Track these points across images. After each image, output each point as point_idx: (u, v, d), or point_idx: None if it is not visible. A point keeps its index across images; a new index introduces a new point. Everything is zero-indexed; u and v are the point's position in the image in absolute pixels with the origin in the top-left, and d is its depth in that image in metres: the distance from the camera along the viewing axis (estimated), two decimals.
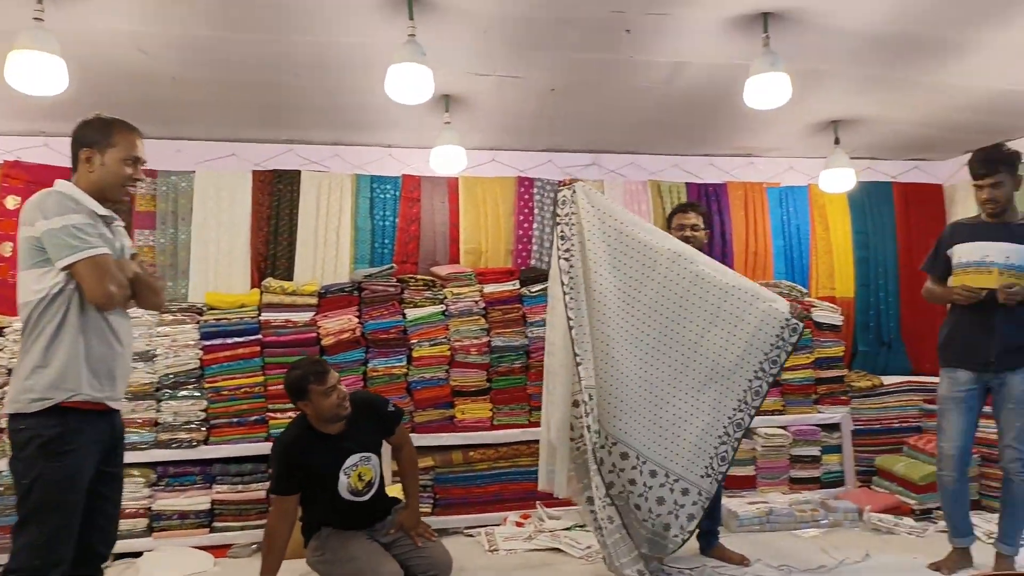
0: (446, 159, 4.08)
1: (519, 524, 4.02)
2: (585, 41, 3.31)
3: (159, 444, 3.77)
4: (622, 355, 3.01)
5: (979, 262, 3.21)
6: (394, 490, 3.49)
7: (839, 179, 4.58)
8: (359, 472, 3.12)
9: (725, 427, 3.03)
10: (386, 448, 3.36)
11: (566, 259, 3.02)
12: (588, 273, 3.03)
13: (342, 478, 3.06)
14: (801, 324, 3.07)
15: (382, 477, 3.28)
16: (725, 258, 4.84)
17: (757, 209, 4.98)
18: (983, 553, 3.31)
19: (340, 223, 4.40)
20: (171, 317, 3.89)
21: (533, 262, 4.64)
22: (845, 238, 5.06)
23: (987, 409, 3.31)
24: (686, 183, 4.92)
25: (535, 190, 4.71)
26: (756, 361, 3.03)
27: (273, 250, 4.33)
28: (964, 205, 4.98)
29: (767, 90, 3.19)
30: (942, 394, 3.34)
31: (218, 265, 4.24)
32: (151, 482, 3.74)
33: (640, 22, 3.11)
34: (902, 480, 4.31)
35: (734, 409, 3.03)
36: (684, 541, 3.03)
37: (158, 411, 3.80)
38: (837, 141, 4.54)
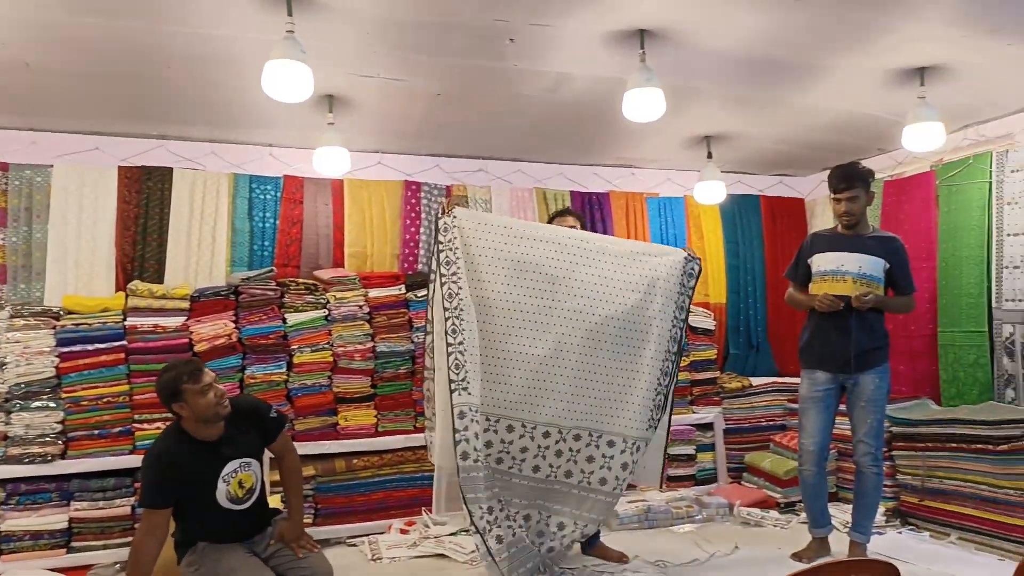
0: (329, 161, 3.98)
1: (404, 531, 3.98)
2: (470, 48, 3.32)
3: (8, 459, 3.47)
4: (536, 351, 3.14)
5: (835, 271, 3.47)
6: (274, 500, 3.36)
7: (711, 192, 4.83)
8: (239, 479, 2.95)
9: (659, 379, 3.26)
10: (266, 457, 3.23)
11: (454, 282, 3.06)
12: (485, 290, 3.13)
13: (221, 486, 2.88)
14: (698, 264, 3.38)
15: (263, 484, 3.14)
16: None
17: (638, 218, 5.17)
18: (841, 542, 3.56)
19: (216, 224, 4.21)
20: (23, 322, 3.59)
21: (420, 266, 4.61)
22: (718, 247, 5.34)
23: (843, 407, 3.58)
24: (571, 191, 5.04)
25: (422, 194, 4.69)
26: (671, 312, 3.32)
27: (141, 251, 4.08)
28: (823, 217, 5.37)
29: (643, 104, 3.32)
30: (802, 394, 3.58)
31: (78, 267, 3.95)
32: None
33: (523, 32, 3.16)
34: (768, 475, 4.57)
35: (663, 360, 3.27)
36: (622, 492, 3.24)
37: (7, 423, 3.50)
38: (710, 155, 4.78)
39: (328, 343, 4.04)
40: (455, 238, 3.14)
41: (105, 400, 3.64)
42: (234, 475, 2.94)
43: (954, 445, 3.85)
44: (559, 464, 3.17)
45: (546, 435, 3.15)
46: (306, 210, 4.41)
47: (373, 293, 4.16)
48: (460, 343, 2.98)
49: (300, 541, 3.10)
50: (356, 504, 4.01)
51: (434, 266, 3.14)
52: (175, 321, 3.79)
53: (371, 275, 4.27)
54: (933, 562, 3.48)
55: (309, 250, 4.39)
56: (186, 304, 3.83)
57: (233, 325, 3.87)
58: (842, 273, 3.45)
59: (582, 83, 3.75)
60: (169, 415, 2.92)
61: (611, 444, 3.20)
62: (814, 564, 2.25)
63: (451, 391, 2.91)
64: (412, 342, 4.18)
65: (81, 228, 3.98)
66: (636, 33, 3.25)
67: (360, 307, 4.10)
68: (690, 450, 4.73)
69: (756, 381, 5.04)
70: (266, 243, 4.32)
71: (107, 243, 4.03)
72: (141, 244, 4.08)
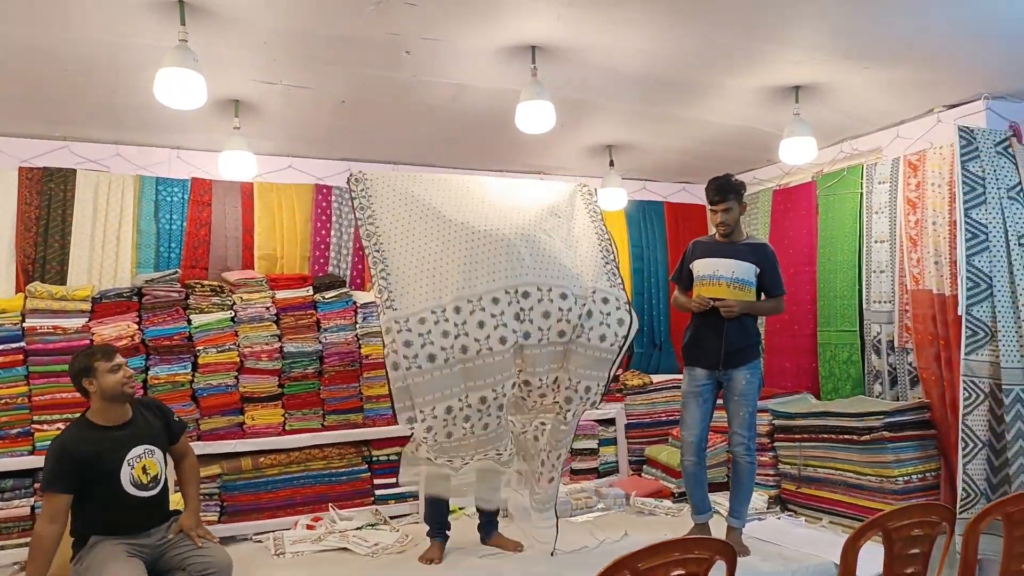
0: (235, 165, 4.05)
1: (310, 527, 4.08)
2: (368, 59, 3.45)
3: None
4: (471, 242, 3.40)
5: (712, 276, 3.74)
6: (176, 499, 3.42)
7: (613, 198, 5.07)
8: (144, 464, 3.08)
9: (602, 251, 3.67)
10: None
11: (370, 223, 3.40)
12: (405, 222, 3.42)
13: (126, 469, 3.02)
14: (594, 190, 3.96)
15: (167, 481, 3.24)
16: None
17: None
18: (722, 528, 3.81)
19: (121, 226, 4.23)
20: None
21: (331, 269, 4.71)
22: (623, 251, 5.59)
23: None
24: None
25: (333, 198, 4.79)
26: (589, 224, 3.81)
27: (43, 253, 4.07)
28: None
29: (534, 117, 3.50)
30: (683, 389, 3.83)
31: None
32: None
33: (418, 45, 3.31)
34: (664, 467, 4.84)
35: (600, 248, 3.71)
36: (621, 348, 3.50)
37: None
38: (612, 163, 5.02)
39: (234, 344, 4.11)
40: (367, 187, 3.50)
41: (3, 401, 3.63)
42: (139, 460, 3.07)
43: (826, 436, 4.17)
44: (548, 325, 3.36)
45: (525, 295, 3.33)
46: (214, 212, 4.46)
47: (281, 295, 4.24)
48: (382, 271, 3.30)
49: (199, 531, 3.19)
50: (263, 501, 4.09)
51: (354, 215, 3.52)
52: (76, 323, 3.80)
53: (279, 277, 4.35)
54: (802, 544, 3.77)
55: (217, 252, 4.45)
56: (87, 306, 3.84)
57: (136, 326, 3.90)
58: (718, 278, 3.72)
59: (482, 94, 3.92)
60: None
61: (607, 300, 3.51)
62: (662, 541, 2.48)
63: (379, 313, 3.26)
64: (319, 342, 4.28)
65: None
66: (528, 49, 3.43)
67: (267, 308, 4.18)
68: (593, 444, 4.96)
69: (657, 378, 5.31)
70: (173, 245, 4.35)
71: (7, 244, 4.00)
72: (43, 246, 4.07)
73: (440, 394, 3.17)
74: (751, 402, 3.71)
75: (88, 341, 3.80)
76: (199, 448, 3.97)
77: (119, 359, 3.06)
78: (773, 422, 4.51)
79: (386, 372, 3.28)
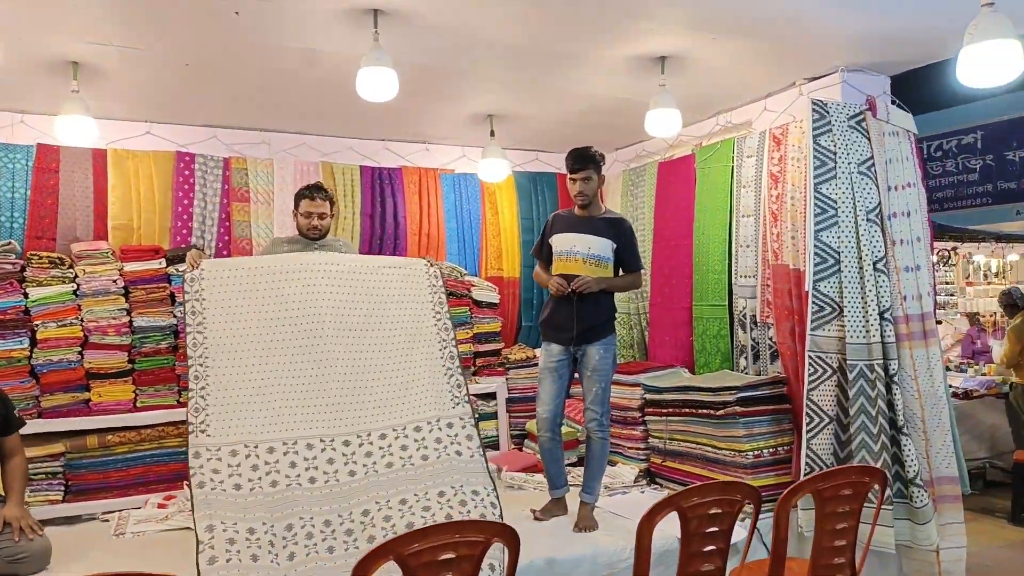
0: (73, 130, 3.83)
1: (161, 505, 3.96)
2: (198, 20, 3.26)
3: None
4: (300, 374, 3.36)
5: (568, 251, 3.68)
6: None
7: (494, 169, 4.96)
8: None
9: (444, 363, 3.61)
10: None
11: (199, 331, 3.29)
12: (238, 330, 3.33)
13: None
14: (439, 268, 3.86)
15: None
16: (398, 240, 5.08)
17: (431, 193, 5.25)
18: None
19: None
20: None
21: (194, 240, 4.53)
22: (512, 222, 5.50)
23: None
24: (360, 166, 5.05)
25: (196, 166, 4.59)
26: (430, 308, 3.71)
27: None
28: (612, 196, 5.59)
29: (376, 83, 3.36)
30: (540, 365, 3.79)
31: None
32: None
33: (249, 6, 3.13)
34: None
35: (440, 347, 3.65)
36: (483, 455, 3.51)
37: None
38: (492, 133, 4.90)
39: (77, 318, 3.93)
40: (201, 289, 3.36)
41: None
42: None
43: (688, 410, 4.17)
44: (374, 461, 3.31)
45: (346, 443, 3.31)
46: (63, 180, 4.24)
47: (130, 267, 4.06)
48: (202, 388, 3.23)
49: (24, 521, 3.07)
50: (111, 480, 3.96)
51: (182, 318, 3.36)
52: None
53: (128, 248, 4.17)
54: None
55: (66, 222, 4.23)
56: None
57: None
58: (574, 254, 3.67)
59: (339, 60, 3.75)
60: None
61: (417, 429, 3.45)
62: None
63: (188, 433, 3.14)
64: (173, 316, 4.13)
65: None
66: (370, 12, 3.28)
67: (114, 281, 4.00)
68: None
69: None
70: (16, 214, 4.13)
71: None
72: None
73: (243, 515, 3.03)
74: (604, 378, 3.68)
75: None
76: (40, 426, 3.82)
77: None
78: (644, 396, 4.50)
79: (188, 483, 3.15)
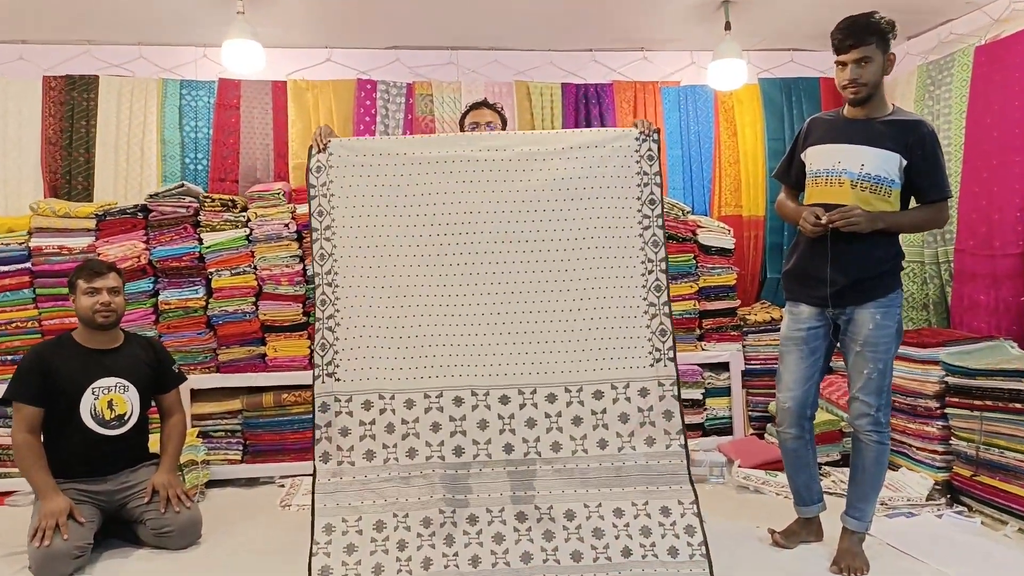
0: (240, 57, 3.46)
1: None
2: None
3: None
4: (456, 302, 2.58)
5: (830, 171, 2.53)
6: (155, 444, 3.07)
7: (731, 73, 3.81)
8: (110, 398, 2.79)
9: (646, 296, 2.60)
10: None
11: (327, 239, 2.59)
12: (376, 239, 2.59)
13: (87, 397, 2.74)
14: (655, 139, 2.67)
15: (141, 423, 2.90)
16: None
17: (649, 113, 4.25)
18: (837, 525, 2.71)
19: (144, 136, 3.87)
20: None
21: None
22: (756, 146, 4.30)
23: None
24: (562, 83, 4.20)
25: (378, 94, 4.07)
26: (635, 210, 2.63)
27: (68, 167, 3.83)
28: (903, 101, 4.12)
29: None
30: (783, 334, 2.70)
31: (5, 185, 3.78)
32: None
33: None
34: None
35: (644, 271, 2.61)
36: (683, 446, 2.57)
37: None
38: (728, 26, 3.75)
39: (250, 265, 3.62)
40: (329, 181, 2.62)
41: (14, 325, 3.46)
42: (106, 392, 2.78)
43: (1020, 406, 2.81)
44: (536, 437, 2.54)
45: (503, 400, 2.55)
46: (243, 117, 3.95)
47: (303, 209, 3.64)
48: (330, 317, 2.56)
49: (172, 489, 2.80)
50: (288, 442, 3.65)
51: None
52: (82, 242, 3.51)
53: (302, 189, 3.76)
54: (963, 562, 2.56)
55: (248, 162, 3.95)
56: (92, 224, 3.53)
57: (143, 246, 3.54)
58: (839, 173, 2.50)
59: None
60: None
61: (598, 396, 2.57)
62: None
63: (313, 378, 2.52)
64: None
65: (7, 145, 3.78)
66: None
67: (286, 225, 3.62)
68: (696, 394, 3.92)
69: None
70: (200, 156, 3.92)
71: (34, 159, 3.80)
72: (67, 160, 3.82)
73: (372, 502, 2.44)
74: (883, 356, 2.50)
75: None
76: (217, 380, 3.62)
77: (102, 282, 2.76)
78: (946, 379, 3.17)
79: (313, 463, 2.52)
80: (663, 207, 2.65)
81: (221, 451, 3.59)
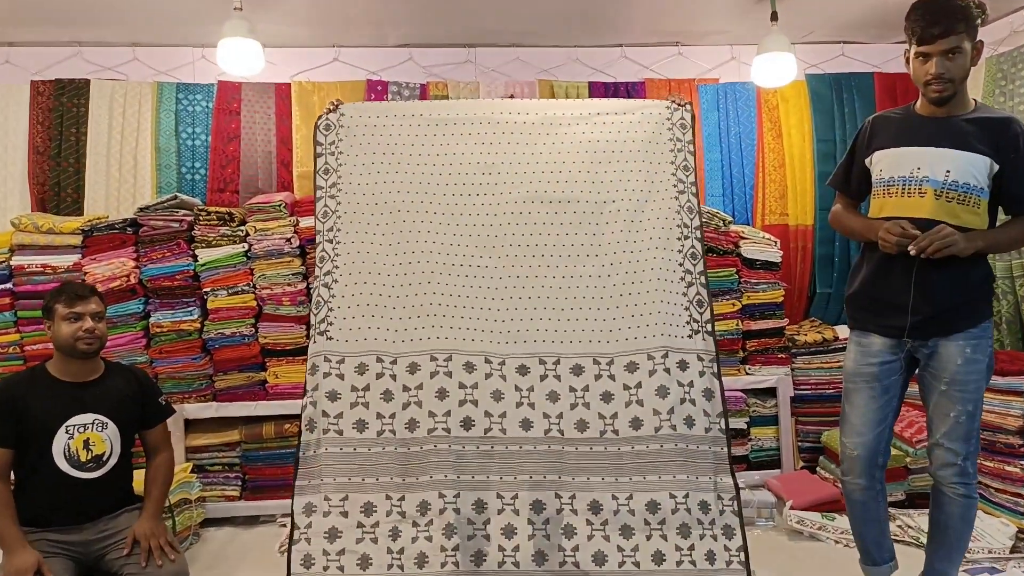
0: (237, 57, 3.17)
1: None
2: None
3: None
4: (471, 264, 2.39)
5: (907, 179, 2.16)
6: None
7: (779, 68, 3.43)
8: (87, 437, 2.48)
9: (682, 263, 2.39)
10: None
11: (331, 196, 2.45)
12: (390, 199, 2.45)
13: (61, 436, 2.43)
14: (688, 111, 2.64)
15: (122, 463, 2.59)
16: None
17: None
18: None
19: (138, 144, 3.59)
20: None
21: None
22: (804, 149, 3.91)
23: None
24: (589, 82, 3.84)
25: (390, 96, 3.75)
26: (668, 174, 2.48)
27: (56, 178, 3.55)
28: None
29: None
30: (849, 369, 2.32)
31: None
32: None
33: None
34: None
35: (680, 236, 2.41)
36: (723, 431, 2.31)
37: None
38: (774, 16, 3.37)
39: (250, 284, 3.32)
40: (338, 140, 2.49)
41: None
42: (82, 430, 2.47)
43: None
44: (559, 413, 2.25)
45: (522, 370, 2.28)
46: (244, 122, 3.65)
47: (306, 222, 3.34)
48: (327, 273, 2.38)
49: (154, 540, 2.50)
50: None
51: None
52: (67, 260, 3.23)
53: (306, 200, 3.45)
54: None
55: (249, 172, 3.65)
56: (78, 240, 3.24)
57: (133, 264, 3.25)
58: (917, 182, 2.12)
59: None
60: None
61: (631, 368, 2.28)
62: None
63: (309, 341, 2.39)
64: None
65: None
66: None
67: (288, 240, 3.31)
68: (740, 423, 3.54)
69: (845, 331, 3.67)
70: (197, 164, 3.63)
71: (20, 170, 3.54)
72: (56, 170, 3.55)
73: (361, 480, 2.18)
74: (972, 395, 2.12)
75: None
76: (214, 409, 3.32)
77: (84, 306, 2.47)
78: None
79: (298, 430, 2.31)
80: (697, 176, 2.51)
81: (218, 487, 3.29)
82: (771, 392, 3.60)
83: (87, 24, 3.51)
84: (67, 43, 3.66)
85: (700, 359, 2.31)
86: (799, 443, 3.64)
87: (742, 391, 3.55)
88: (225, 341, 3.31)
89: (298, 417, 3.23)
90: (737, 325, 3.53)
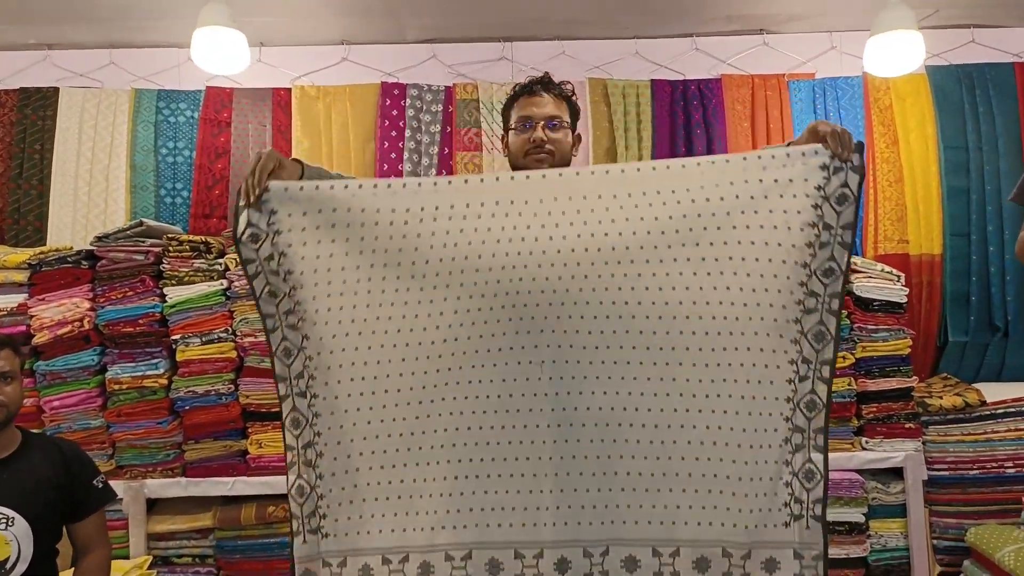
0: (211, 49, 2.59)
1: None
2: None
3: None
4: (495, 422, 1.61)
5: None
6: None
7: (898, 52, 2.67)
8: None
9: (790, 419, 1.60)
10: None
11: (292, 328, 1.67)
12: (367, 338, 1.63)
13: None
14: (852, 169, 1.56)
15: (38, 566, 2.00)
16: None
17: (773, 116, 3.14)
18: None
19: (111, 161, 3.04)
20: None
21: None
22: (927, 158, 3.12)
23: None
24: (652, 80, 3.15)
25: (408, 101, 3.13)
26: (793, 284, 1.58)
27: (16, 203, 3.02)
28: None
29: None
30: None
31: None
32: None
33: None
34: (1009, 574, 2.44)
35: (789, 380, 1.59)
36: None
37: None
38: None
39: (228, 330, 2.68)
40: (280, 253, 1.63)
41: None
42: None
43: None
44: None
45: (561, 565, 1.58)
46: (236, 135, 3.07)
47: None
48: (307, 446, 1.66)
49: None
50: (274, 572, 2.67)
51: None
52: (12, 300, 2.65)
53: None
54: None
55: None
56: (24, 276, 2.67)
57: (88, 305, 2.65)
58: None
59: None
60: None
61: (701, 566, 1.59)
62: None
63: (291, 536, 1.68)
64: None
65: None
66: None
67: None
68: (856, 515, 2.71)
69: (995, 392, 2.84)
70: (179, 186, 3.05)
71: None
72: (16, 194, 3.02)
73: None
74: None
75: (24, 327, 2.65)
76: (182, 487, 2.69)
77: None
78: None
79: None
80: (845, 281, 1.60)
81: None
82: (897, 473, 2.77)
83: (57, 22, 3.03)
84: (34, 46, 3.16)
85: (798, 555, 1.58)
86: (934, 540, 2.79)
87: (857, 471, 2.73)
88: (197, 401, 2.66)
89: (286, 499, 2.58)
90: (849, 384, 2.72)
